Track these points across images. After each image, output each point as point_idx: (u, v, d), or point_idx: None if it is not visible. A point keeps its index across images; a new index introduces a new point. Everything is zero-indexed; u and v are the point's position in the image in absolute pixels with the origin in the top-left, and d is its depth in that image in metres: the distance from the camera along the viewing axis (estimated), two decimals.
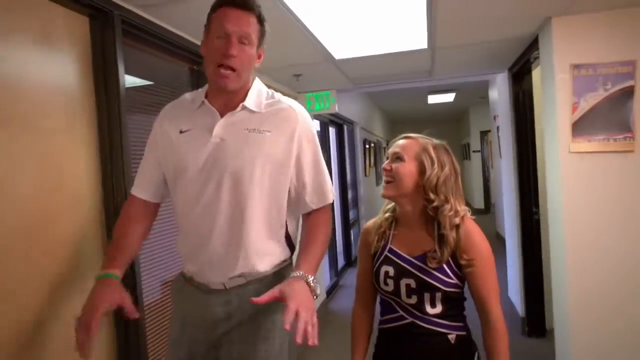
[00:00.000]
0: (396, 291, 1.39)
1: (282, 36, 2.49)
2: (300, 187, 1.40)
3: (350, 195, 6.85)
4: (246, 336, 1.35)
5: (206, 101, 1.38)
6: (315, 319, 1.13)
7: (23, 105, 1.44)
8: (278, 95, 1.43)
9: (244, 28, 1.29)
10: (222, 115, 1.36)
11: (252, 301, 1.16)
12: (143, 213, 1.47)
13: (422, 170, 1.37)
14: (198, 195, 1.34)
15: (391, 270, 1.40)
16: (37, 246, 1.45)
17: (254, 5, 1.32)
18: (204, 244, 1.35)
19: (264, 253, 1.37)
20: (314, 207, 1.43)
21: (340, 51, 2.98)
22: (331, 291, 5.43)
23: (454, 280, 1.35)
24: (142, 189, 1.47)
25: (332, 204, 1.48)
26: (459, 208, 1.37)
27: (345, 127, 6.66)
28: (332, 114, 5.08)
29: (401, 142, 1.42)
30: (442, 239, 1.35)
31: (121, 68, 1.79)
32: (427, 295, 1.36)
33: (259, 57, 1.39)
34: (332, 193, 1.46)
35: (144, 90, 2.17)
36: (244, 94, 1.37)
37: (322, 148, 1.46)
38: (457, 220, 1.35)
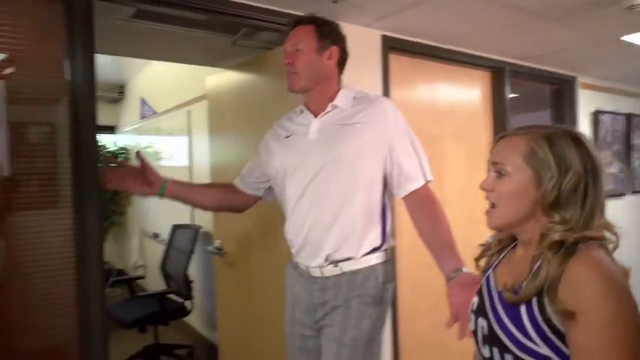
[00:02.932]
0: (475, 333, 1.00)
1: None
2: (394, 172, 1.47)
3: None
4: (338, 321, 1.43)
5: (304, 108, 1.56)
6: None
7: (457, 124, 2.78)
8: (366, 93, 1.56)
9: (292, 40, 1.50)
10: (316, 116, 1.51)
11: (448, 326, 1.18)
12: (231, 190, 1.71)
13: (538, 181, 0.89)
14: (303, 188, 1.46)
15: (475, 302, 1.02)
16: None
17: (305, 19, 1.52)
18: (301, 228, 1.47)
19: (356, 240, 1.43)
20: (414, 188, 1.48)
21: None
22: None
23: (534, 339, 0.84)
24: (239, 180, 1.72)
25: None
26: (597, 224, 0.87)
27: None
28: None
29: (501, 144, 0.96)
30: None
31: (507, 91, 2.98)
32: (496, 353, 0.92)
33: (330, 56, 1.51)
34: (425, 174, 1.49)
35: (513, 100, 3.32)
36: (333, 96, 1.51)
37: None
38: (569, 238, 0.84)
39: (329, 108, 1.49)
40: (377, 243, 1.47)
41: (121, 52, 3.03)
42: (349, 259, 1.43)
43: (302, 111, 1.56)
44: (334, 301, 1.44)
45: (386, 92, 2.34)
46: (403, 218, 1.61)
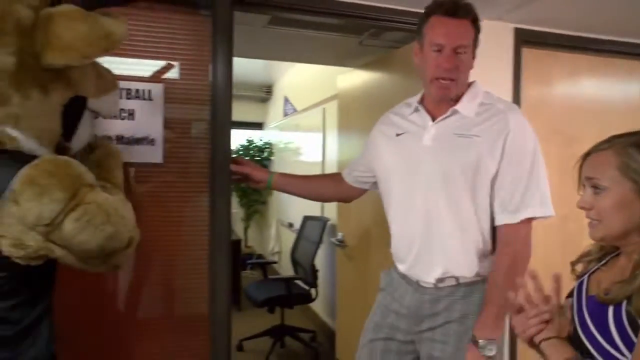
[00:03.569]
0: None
1: None
2: (494, 196, 1.30)
3: None
4: (452, 337, 1.32)
5: (420, 106, 1.40)
6: None
7: (605, 123, 2.43)
8: (496, 100, 1.36)
9: (457, 39, 1.26)
10: (434, 119, 1.36)
11: None
12: (337, 182, 1.71)
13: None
14: (407, 197, 1.37)
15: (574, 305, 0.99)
16: None
17: (466, 10, 1.28)
18: (412, 243, 1.37)
19: (468, 267, 1.33)
20: (503, 221, 1.30)
21: None
22: None
23: (618, 346, 0.83)
24: (346, 172, 1.69)
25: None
26: None
27: None
28: None
29: (591, 159, 0.95)
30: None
31: None
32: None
33: (475, 56, 1.34)
34: (529, 210, 1.27)
35: None
36: (457, 99, 1.34)
37: None
38: None
39: (448, 112, 1.34)
40: (486, 270, 1.36)
41: (261, 55, 3.33)
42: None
43: (417, 109, 1.41)
44: (448, 316, 1.34)
45: (517, 90, 2.19)
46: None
